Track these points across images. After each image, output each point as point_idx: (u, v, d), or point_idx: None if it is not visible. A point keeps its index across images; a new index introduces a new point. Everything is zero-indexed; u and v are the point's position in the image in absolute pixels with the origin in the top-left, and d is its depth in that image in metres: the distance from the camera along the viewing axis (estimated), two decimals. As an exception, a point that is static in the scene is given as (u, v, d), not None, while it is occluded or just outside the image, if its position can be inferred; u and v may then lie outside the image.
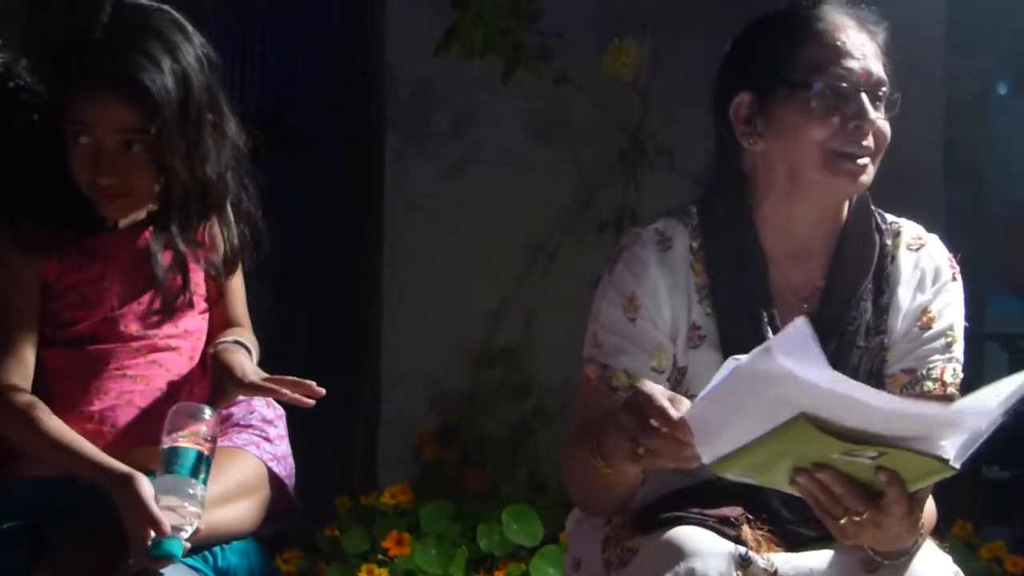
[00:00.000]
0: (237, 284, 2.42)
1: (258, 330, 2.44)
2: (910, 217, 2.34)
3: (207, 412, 2.15)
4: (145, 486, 2.09)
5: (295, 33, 4.65)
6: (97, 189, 2.19)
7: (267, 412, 2.42)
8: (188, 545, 2.09)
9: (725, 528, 2.08)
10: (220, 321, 2.39)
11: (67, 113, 2.16)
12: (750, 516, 2.10)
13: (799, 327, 1.77)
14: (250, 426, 2.37)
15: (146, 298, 2.27)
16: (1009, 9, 4.99)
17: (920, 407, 1.84)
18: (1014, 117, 6.07)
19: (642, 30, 4.01)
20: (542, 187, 4.13)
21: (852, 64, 2.17)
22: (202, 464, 2.12)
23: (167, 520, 2.07)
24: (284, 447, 2.43)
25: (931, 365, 2.22)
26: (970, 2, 4.57)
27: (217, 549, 2.24)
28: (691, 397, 2.20)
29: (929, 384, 2.21)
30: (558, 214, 4.11)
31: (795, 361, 1.74)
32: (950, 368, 2.23)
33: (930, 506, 2.12)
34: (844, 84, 2.16)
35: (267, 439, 2.39)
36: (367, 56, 4.51)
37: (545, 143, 4.15)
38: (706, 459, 1.90)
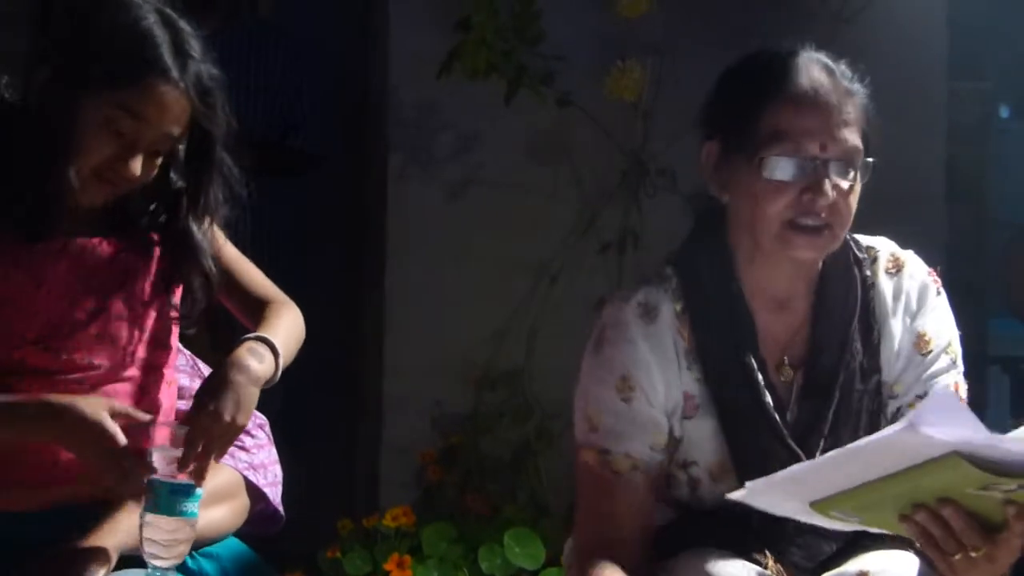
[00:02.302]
0: (242, 266, 2.34)
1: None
2: (913, 239, 2.32)
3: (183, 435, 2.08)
4: (118, 437, 2.02)
5: (298, 56, 4.67)
6: (112, 175, 2.11)
7: None
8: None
9: (750, 551, 2.06)
10: (245, 306, 2.31)
11: (110, 99, 2.07)
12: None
13: (942, 396, 1.73)
14: None
15: (93, 318, 2.16)
16: (1010, 34, 5.01)
17: None
18: (1015, 140, 6.10)
19: (644, 52, 4.02)
20: (544, 209, 4.13)
21: (813, 137, 2.09)
22: (182, 495, 2.04)
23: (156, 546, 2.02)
24: (264, 455, 2.39)
25: (943, 383, 2.19)
26: (972, 26, 4.59)
27: (187, 558, 2.17)
28: (688, 464, 2.18)
29: None
30: (560, 236, 4.12)
31: (947, 430, 1.69)
32: (962, 382, 2.21)
33: None
34: (801, 157, 2.09)
35: (243, 448, 2.35)
36: (370, 78, 4.52)
37: (547, 165, 4.16)
38: (807, 499, 1.85)
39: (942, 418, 1.70)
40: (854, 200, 2.14)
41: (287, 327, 2.28)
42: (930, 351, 2.20)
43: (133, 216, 2.22)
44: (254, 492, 2.35)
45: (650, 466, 2.16)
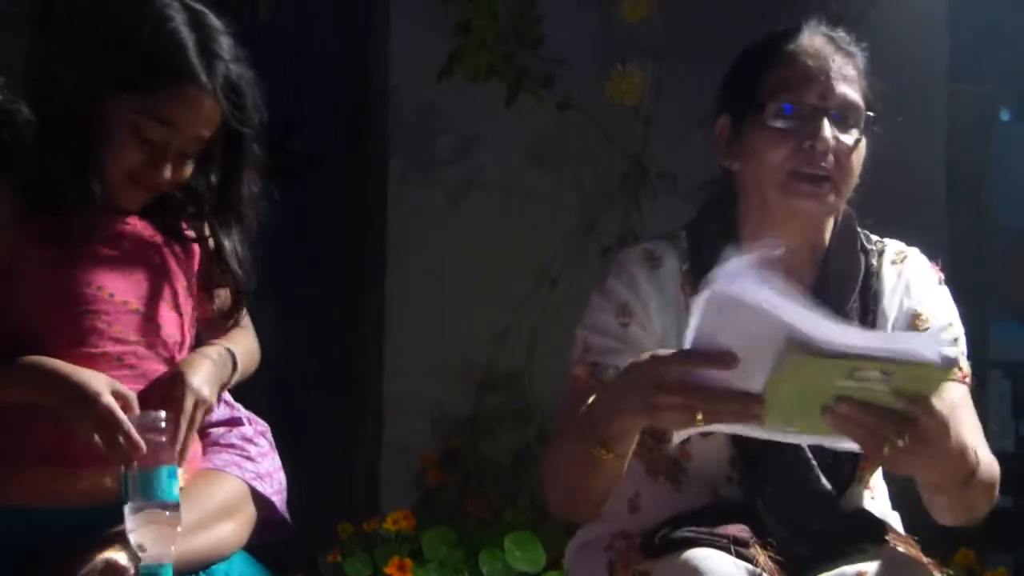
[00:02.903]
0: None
1: (260, 353, 2.40)
2: (914, 242, 2.34)
3: (162, 419, 2.03)
4: (117, 411, 2.00)
5: (299, 58, 4.67)
6: (145, 180, 2.11)
7: (247, 430, 2.36)
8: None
9: (740, 548, 2.06)
10: (213, 321, 2.30)
11: (136, 105, 2.06)
12: (757, 539, 2.09)
13: (733, 261, 1.82)
14: (231, 445, 2.31)
15: (131, 293, 2.15)
16: (1010, 36, 5.01)
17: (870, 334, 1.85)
18: (1016, 143, 6.08)
19: (644, 56, 4.02)
20: (544, 212, 4.13)
21: (813, 86, 2.18)
22: (174, 479, 2.01)
23: (149, 542, 1.98)
24: (269, 464, 2.37)
25: None
26: (973, 29, 4.59)
27: None
28: None
29: None
30: (560, 239, 4.12)
31: (738, 282, 1.80)
32: (962, 359, 2.21)
33: (988, 457, 2.11)
34: (801, 105, 2.17)
35: (249, 458, 2.33)
36: (371, 81, 4.52)
37: (548, 168, 4.16)
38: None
39: (733, 275, 1.79)
40: (857, 159, 2.20)
41: (246, 349, 2.30)
42: (926, 328, 2.23)
43: (173, 210, 2.22)
44: (261, 501, 2.33)
45: None
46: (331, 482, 4.40)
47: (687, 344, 1.87)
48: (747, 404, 1.85)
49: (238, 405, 2.42)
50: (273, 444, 2.41)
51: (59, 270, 2.11)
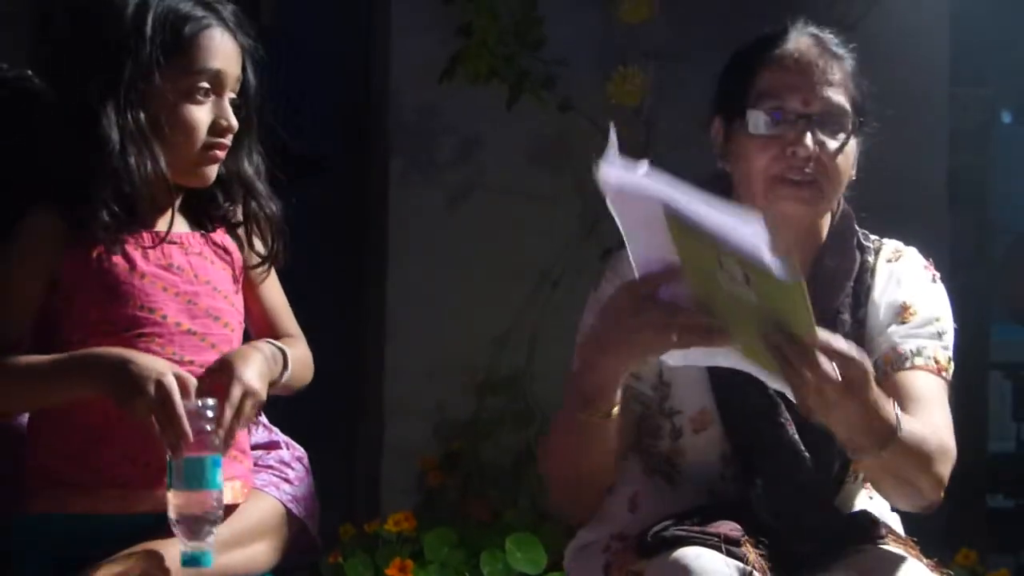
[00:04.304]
0: (278, 297, 2.35)
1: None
2: (915, 243, 2.35)
3: (210, 408, 2.04)
4: (176, 392, 2.01)
5: (300, 60, 4.66)
6: (218, 136, 2.18)
7: (285, 454, 2.37)
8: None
9: (730, 547, 2.07)
10: (267, 336, 2.30)
11: (178, 74, 2.14)
12: (748, 537, 2.09)
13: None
14: (269, 467, 2.31)
15: (183, 314, 2.17)
16: (1011, 38, 5.01)
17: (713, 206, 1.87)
18: (1017, 146, 6.10)
19: (646, 57, 4.02)
20: (546, 214, 4.13)
21: (796, 92, 2.18)
22: (217, 468, 2.02)
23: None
24: (304, 488, 2.38)
25: (921, 346, 2.21)
26: (974, 32, 4.59)
27: None
28: (673, 412, 2.24)
29: (920, 360, 2.20)
30: (561, 241, 4.12)
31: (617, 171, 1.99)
32: (943, 353, 2.22)
33: (939, 439, 2.10)
34: (784, 112, 2.18)
35: (287, 480, 2.34)
36: (371, 82, 4.52)
37: (549, 170, 4.16)
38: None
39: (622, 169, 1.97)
40: (844, 161, 2.20)
41: (300, 354, 2.29)
42: (913, 314, 2.23)
43: (206, 209, 2.25)
44: (294, 523, 2.33)
45: (635, 395, 2.21)
46: (332, 483, 4.39)
47: (632, 254, 1.98)
48: (711, 319, 1.91)
49: (276, 429, 2.42)
50: (309, 470, 2.41)
51: (109, 296, 2.13)
